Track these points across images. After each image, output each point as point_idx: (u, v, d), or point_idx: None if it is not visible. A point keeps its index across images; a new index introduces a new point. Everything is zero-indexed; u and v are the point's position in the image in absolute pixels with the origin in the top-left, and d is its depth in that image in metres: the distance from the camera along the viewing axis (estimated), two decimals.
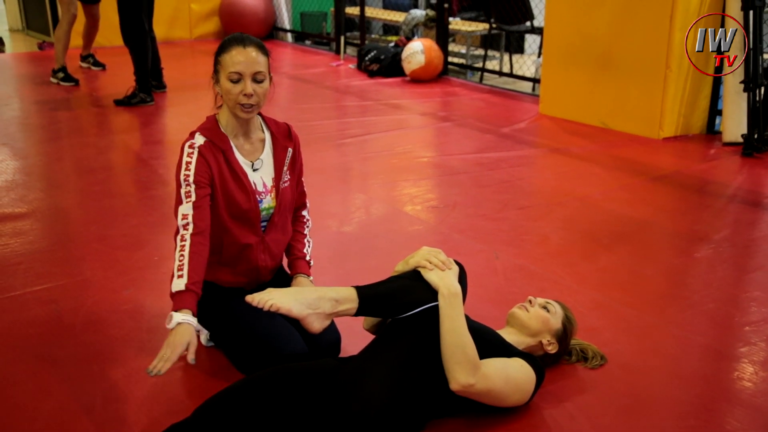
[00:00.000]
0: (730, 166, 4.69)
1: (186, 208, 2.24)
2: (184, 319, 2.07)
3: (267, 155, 2.44)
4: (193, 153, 2.29)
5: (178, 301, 2.12)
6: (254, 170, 2.40)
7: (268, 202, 2.43)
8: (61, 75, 6.85)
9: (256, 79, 2.28)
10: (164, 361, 1.97)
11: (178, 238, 2.21)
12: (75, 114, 6.01)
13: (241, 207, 2.35)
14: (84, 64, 7.63)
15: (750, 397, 2.30)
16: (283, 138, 2.47)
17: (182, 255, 2.18)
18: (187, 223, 2.22)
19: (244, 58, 2.26)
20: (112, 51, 7.66)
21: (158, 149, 5.03)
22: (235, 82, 2.27)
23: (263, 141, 2.45)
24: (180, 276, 2.15)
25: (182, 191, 2.26)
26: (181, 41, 9.31)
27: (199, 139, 2.32)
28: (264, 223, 2.44)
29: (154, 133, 5.54)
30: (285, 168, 2.46)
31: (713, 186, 4.35)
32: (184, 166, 2.28)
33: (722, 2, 4.97)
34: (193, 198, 2.24)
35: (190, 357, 2.00)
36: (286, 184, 2.46)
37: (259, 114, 2.47)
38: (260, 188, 2.41)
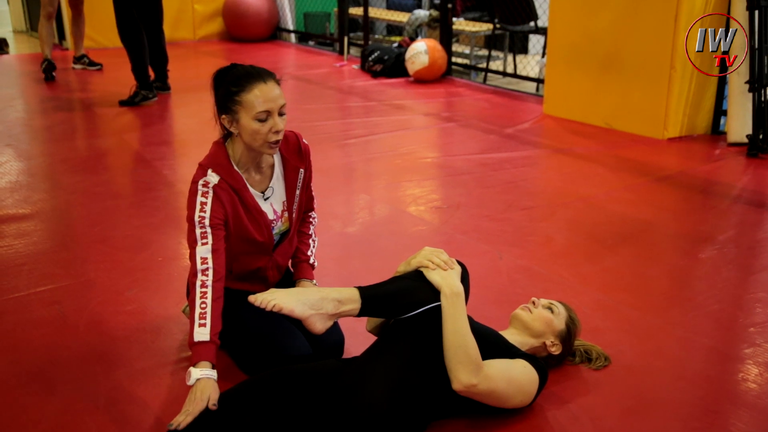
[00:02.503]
0: (734, 167, 4.68)
1: (204, 251, 2.17)
2: (204, 374, 2.04)
3: (277, 181, 2.38)
4: (207, 193, 2.21)
5: (199, 352, 2.08)
6: (265, 199, 2.35)
7: (279, 227, 2.41)
8: (45, 64, 6.95)
9: (281, 113, 2.21)
10: (186, 415, 1.97)
11: (198, 282, 2.14)
12: (79, 115, 6.02)
13: (257, 240, 2.33)
14: (78, 66, 7.60)
15: (755, 398, 2.29)
16: (294, 157, 2.39)
17: (204, 302, 2.12)
18: (207, 269, 2.15)
19: (269, 95, 2.16)
20: (115, 52, 7.67)
21: (162, 150, 5.03)
22: (263, 120, 2.18)
23: (272, 166, 2.38)
24: (203, 324, 2.10)
25: (197, 232, 2.19)
26: (184, 42, 9.32)
27: (213, 178, 2.23)
28: (275, 240, 2.43)
29: (158, 134, 5.55)
30: (297, 191, 2.41)
31: (718, 187, 4.34)
32: (198, 206, 2.20)
33: (727, 2, 4.96)
34: (211, 241, 2.18)
35: (212, 405, 1.99)
36: (296, 207, 2.43)
37: None
38: (271, 216, 2.37)
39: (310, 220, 2.61)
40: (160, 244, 3.43)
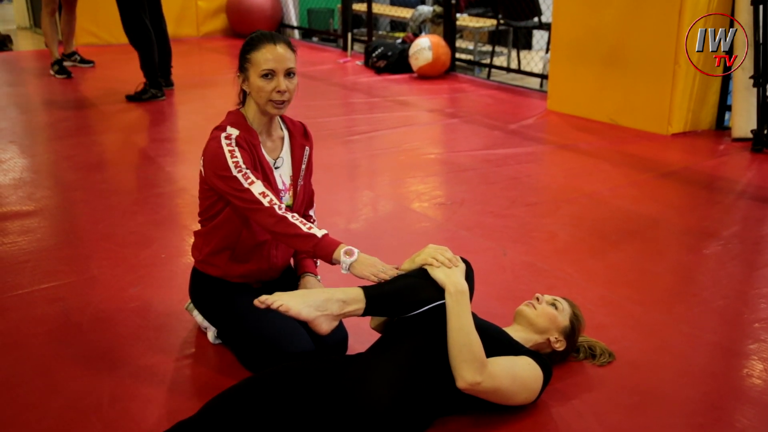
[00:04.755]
0: (739, 162, 4.67)
1: (259, 187, 2.22)
2: (357, 256, 2.18)
3: (286, 153, 2.45)
4: (232, 144, 2.28)
5: (328, 242, 2.19)
6: (276, 168, 2.41)
7: (286, 200, 2.44)
8: (56, 68, 7.01)
9: (288, 75, 2.31)
10: (383, 273, 2.14)
11: (276, 207, 2.20)
12: (82, 111, 6.02)
13: None
14: (68, 63, 7.58)
15: (759, 394, 2.28)
16: (300, 137, 2.49)
17: (294, 215, 2.22)
18: (271, 200, 2.22)
19: (275, 55, 2.28)
20: (118, 48, 7.68)
21: (166, 147, 5.03)
22: (268, 79, 2.28)
23: (282, 139, 2.46)
24: (310, 228, 2.21)
25: (240, 177, 2.23)
26: (188, 38, 9.31)
27: (234, 131, 2.31)
28: None
29: (162, 130, 5.55)
30: (303, 166, 2.47)
31: (722, 182, 4.33)
32: (228, 155, 2.25)
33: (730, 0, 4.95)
34: (257, 179, 2.23)
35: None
36: (301, 183, 2.48)
37: None
38: (280, 186, 2.42)
39: (312, 221, 2.62)
40: (163, 241, 3.43)
